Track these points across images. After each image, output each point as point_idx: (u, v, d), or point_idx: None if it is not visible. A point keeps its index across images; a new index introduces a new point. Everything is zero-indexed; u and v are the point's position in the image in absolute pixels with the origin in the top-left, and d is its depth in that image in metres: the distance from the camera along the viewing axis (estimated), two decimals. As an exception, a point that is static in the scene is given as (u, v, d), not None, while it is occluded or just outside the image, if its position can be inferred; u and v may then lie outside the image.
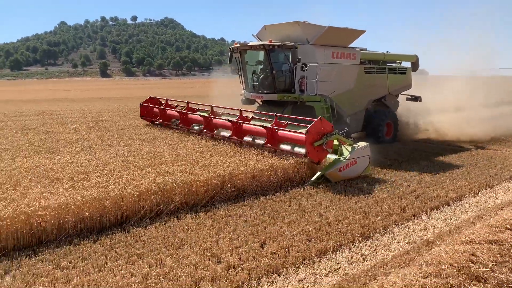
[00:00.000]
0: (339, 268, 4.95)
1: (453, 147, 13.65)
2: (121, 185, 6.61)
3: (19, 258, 4.99)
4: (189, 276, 4.55)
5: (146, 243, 5.44)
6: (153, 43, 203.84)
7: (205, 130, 11.79)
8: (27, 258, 5.02)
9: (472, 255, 4.19)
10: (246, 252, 5.17)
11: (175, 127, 13.10)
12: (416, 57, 16.16)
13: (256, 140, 10.29)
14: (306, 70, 11.96)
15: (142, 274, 4.57)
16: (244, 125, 10.68)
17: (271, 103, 12.83)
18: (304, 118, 9.64)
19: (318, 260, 5.14)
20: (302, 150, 8.96)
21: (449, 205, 7.52)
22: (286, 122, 9.91)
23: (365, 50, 14.45)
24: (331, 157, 9.22)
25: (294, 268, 4.89)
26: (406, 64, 16.06)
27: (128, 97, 35.31)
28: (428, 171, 10.00)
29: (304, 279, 4.67)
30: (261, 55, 12.94)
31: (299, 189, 8.15)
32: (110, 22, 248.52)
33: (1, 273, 4.68)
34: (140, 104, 14.74)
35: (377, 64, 14.54)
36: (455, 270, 3.93)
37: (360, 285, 4.39)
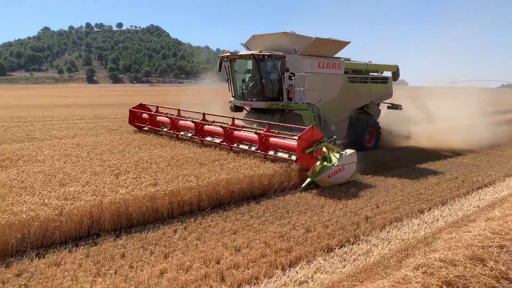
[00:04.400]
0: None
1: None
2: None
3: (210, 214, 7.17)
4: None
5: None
6: (139, 50, 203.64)
7: (196, 137, 11.97)
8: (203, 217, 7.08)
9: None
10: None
11: (164, 133, 13.15)
12: (397, 67, 16.67)
13: (243, 147, 10.72)
14: (294, 79, 12.34)
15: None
16: (235, 132, 11.05)
17: (259, 110, 13.17)
18: (294, 126, 10.17)
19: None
20: (292, 157, 9.40)
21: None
22: (277, 130, 10.32)
23: (349, 60, 14.97)
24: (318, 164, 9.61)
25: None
26: (387, 74, 16.63)
27: (127, 103, 35.55)
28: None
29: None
30: (250, 64, 13.36)
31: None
32: (95, 29, 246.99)
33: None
34: (129, 110, 14.57)
35: (360, 74, 15.08)
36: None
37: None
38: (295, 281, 5.02)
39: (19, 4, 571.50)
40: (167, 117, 13.40)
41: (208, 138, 11.85)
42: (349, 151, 9.96)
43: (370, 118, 15.22)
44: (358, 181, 10.06)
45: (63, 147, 10.91)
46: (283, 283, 4.95)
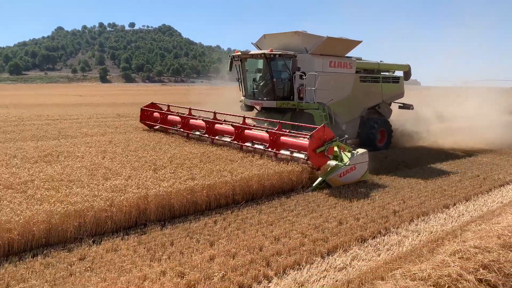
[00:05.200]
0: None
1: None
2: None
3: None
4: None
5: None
6: (151, 50, 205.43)
7: (206, 135, 12.09)
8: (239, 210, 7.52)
9: None
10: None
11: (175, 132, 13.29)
12: (409, 67, 16.59)
13: (256, 146, 10.74)
14: (305, 78, 12.34)
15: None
16: (246, 130, 11.13)
17: (270, 110, 13.25)
18: (305, 125, 10.21)
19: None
20: (303, 156, 9.47)
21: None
22: (288, 130, 10.30)
23: (361, 59, 14.97)
24: (331, 163, 9.61)
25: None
26: (399, 73, 16.53)
27: (143, 102, 35.20)
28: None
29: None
30: (260, 63, 13.38)
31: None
32: (108, 28, 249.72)
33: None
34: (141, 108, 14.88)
35: (371, 73, 15.05)
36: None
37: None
38: (335, 267, 5.40)
39: (33, 4, 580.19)
40: (178, 115, 13.48)
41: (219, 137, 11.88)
42: (360, 151, 9.98)
43: (382, 118, 15.20)
44: (372, 181, 10.21)
45: (97, 144, 11.41)
46: (324, 269, 5.33)
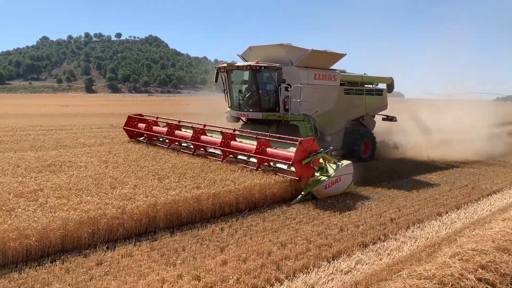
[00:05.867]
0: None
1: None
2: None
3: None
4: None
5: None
6: (138, 60, 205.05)
7: (192, 146, 11.91)
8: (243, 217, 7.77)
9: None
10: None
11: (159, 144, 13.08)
12: (391, 79, 16.88)
13: (242, 157, 10.77)
14: (291, 90, 12.43)
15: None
16: (232, 142, 11.01)
17: (255, 121, 13.37)
18: (290, 137, 9.95)
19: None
20: (289, 167, 9.53)
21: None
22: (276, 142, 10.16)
23: (345, 72, 15.13)
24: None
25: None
26: (382, 86, 16.85)
27: (130, 112, 35.24)
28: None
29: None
30: (246, 75, 13.50)
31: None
32: (94, 39, 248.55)
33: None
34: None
35: (355, 86, 15.27)
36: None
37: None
38: (341, 270, 5.72)
39: (18, 13, 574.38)
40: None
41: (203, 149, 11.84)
42: (345, 162, 10.00)
43: (366, 130, 15.40)
44: (367, 190, 10.69)
45: (97, 154, 11.58)
46: (330, 272, 5.64)
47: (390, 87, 17.01)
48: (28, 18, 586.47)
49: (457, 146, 17.49)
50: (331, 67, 14.28)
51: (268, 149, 10.11)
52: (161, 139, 13.50)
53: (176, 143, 12.79)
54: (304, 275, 5.53)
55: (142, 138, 14.36)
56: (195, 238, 6.65)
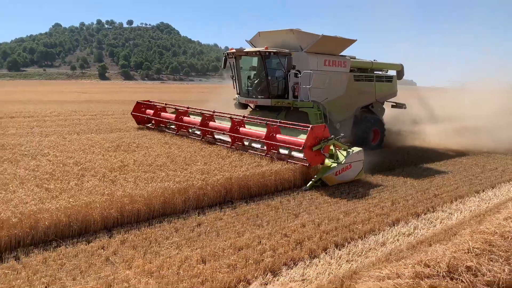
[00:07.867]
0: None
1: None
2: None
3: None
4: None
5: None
6: (150, 48, 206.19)
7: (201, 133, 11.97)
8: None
9: None
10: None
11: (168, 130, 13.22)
12: (402, 66, 16.54)
13: (253, 144, 10.80)
14: (300, 76, 12.26)
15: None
16: (241, 129, 10.97)
17: (264, 108, 13.21)
18: (300, 124, 9.85)
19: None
20: (300, 155, 9.52)
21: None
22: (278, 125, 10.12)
23: (354, 58, 14.90)
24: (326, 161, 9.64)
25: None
26: (392, 72, 16.46)
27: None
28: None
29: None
30: (255, 61, 13.25)
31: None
32: (106, 26, 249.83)
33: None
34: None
35: (365, 72, 14.96)
36: None
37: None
38: (403, 233, 6.70)
39: (30, 0, 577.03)
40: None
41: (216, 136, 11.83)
42: (356, 149, 9.94)
43: (375, 117, 15.08)
44: (403, 173, 11.60)
45: (154, 136, 12.55)
46: (395, 235, 6.62)
47: (400, 73, 16.65)
48: (40, 5, 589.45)
49: (483, 134, 17.84)
50: (341, 53, 14.03)
51: (278, 136, 10.07)
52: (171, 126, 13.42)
53: (183, 129, 12.85)
54: (373, 236, 6.51)
55: (150, 124, 14.44)
56: (268, 207, 7.66)
